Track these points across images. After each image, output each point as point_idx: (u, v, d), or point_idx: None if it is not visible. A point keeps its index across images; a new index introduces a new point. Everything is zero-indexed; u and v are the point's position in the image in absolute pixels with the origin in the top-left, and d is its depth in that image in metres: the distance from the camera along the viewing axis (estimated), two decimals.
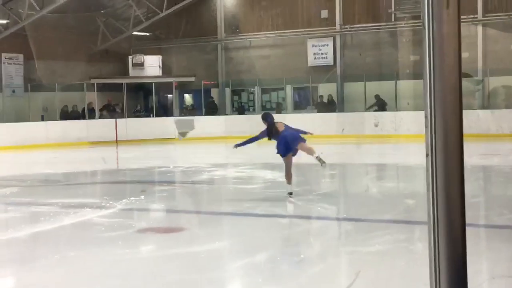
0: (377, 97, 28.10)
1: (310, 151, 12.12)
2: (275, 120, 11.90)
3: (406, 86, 27.67)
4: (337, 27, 29.31)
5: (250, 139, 12.18)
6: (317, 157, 12.01)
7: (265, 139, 12.02)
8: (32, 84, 28.74)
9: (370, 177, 16.00)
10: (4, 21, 26.60)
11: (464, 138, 2.01)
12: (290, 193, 11.72)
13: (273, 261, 7.45)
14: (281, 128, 11.77)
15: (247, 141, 12.18)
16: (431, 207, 1.80)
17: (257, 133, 12.06)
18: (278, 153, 11.86)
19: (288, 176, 11.87)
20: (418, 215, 10.22)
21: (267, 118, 11.93)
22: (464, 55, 26.28)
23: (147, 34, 32.62)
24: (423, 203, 7.66)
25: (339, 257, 7.73)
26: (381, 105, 27.99)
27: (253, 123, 28.24)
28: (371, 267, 7.02)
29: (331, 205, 11.44)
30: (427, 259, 1.98)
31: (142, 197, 12.48)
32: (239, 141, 12.29)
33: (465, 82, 26.01)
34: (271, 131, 11.73)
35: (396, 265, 7.19)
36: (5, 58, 28.42)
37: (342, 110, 28.80)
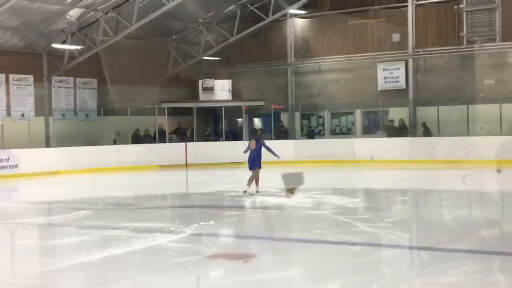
0: (423, 125, 27.72)
1: (256, 179, 17.03)
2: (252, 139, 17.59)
3: (479, 110, 27.06)
4: (410, 50, 28.91)
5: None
6: (248, 186, 16.79)
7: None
8: (105, 108, 29.31)
9: (443, 204, 15.58)
10: (79, 47, 27.25)
11: None
12: (245, 191, 16.61)
13: None
14: (252, 147, 17.19)
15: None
16: None
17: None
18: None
19: (249, 182, 16.84)
20: (495, 245, 9.89)
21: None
22: None
23: (218, 58, 32.89)
24: (500, 233, 7.40)
25: None
26: (427, 133, 27.56)
27: (323, 147, 28.34)
28: None
29: (404, 232, 11.17)
30: None
31: (212, 222, 12.46)
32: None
33: None
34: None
35: None
36: (80, 83, 29.12)
37: (414, 134, 28.31)
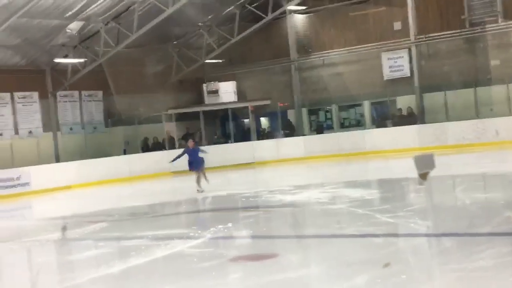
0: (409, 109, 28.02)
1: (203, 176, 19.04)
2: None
3: (487, 92, 26.88)
4: (412, 37, 28.74)
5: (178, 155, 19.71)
6: (199, 184, 18.82)
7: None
8: (112, 119, 29.26)
9: (460, 189, 15.42)
10: (81, 60, 27.21)
11: None
12: (200, 191, 18.60)
13: (374, 283, 7.17)
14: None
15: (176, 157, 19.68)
16: None
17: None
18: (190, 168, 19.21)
19: (197, 182, 18.89)
20: None
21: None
22: None
23: (220, 61, 32.79)
24: None
25: (445, 275, 7.35)
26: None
27: (334, 142, 28.19)
28: (481, 285, 6.65)
29: (424, 220, 11.07)
30: None
31: (230, 224, 12.36)
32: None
33: None
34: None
35: (508, 280, 6.79)
36: (85, 96, 29.08)
37: (423, 121, 28.13)
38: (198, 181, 18.88)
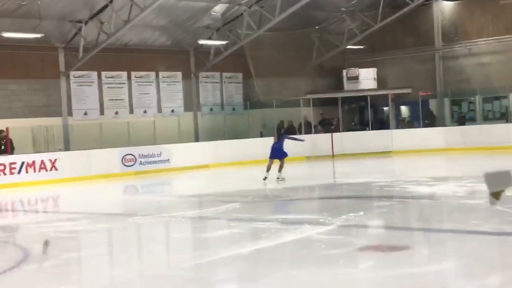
0: None
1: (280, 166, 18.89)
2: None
3: None
4: None
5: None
6: (279, 173, 18.59)
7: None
8: (250, 101, 29.65)
9: None
10: (224, 42, 27.73)
11: None
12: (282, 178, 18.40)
13: (507, 285, 6.83)
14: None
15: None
16: None
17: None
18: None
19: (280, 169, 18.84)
20: None
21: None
22: None
23: (362, 47, 32.39)
24: None
25: None
26: None
27: (476, 134, 27.17)
28: None
29: None
30: None
31: (361, 213, 12.20)
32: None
33: None
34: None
35: None
36: (226, 78, 29.66)
37: None
38: (279, 169, 18.92)
